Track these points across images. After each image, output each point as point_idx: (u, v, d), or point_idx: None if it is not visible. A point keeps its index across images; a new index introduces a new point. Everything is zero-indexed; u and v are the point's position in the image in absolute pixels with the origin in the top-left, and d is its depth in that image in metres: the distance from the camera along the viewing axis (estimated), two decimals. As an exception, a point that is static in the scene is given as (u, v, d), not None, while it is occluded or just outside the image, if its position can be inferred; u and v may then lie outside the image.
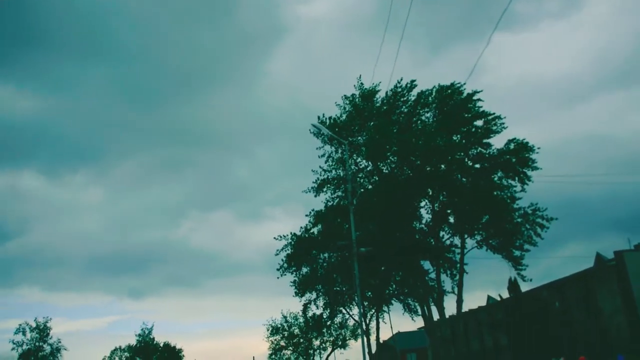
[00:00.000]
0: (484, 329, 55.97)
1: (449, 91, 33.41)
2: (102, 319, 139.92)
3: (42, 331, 69.04)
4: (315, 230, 37.74)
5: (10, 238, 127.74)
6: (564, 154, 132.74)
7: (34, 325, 68.53)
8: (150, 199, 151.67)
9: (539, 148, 32.42)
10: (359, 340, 58.63)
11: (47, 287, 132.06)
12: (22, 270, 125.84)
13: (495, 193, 32.23)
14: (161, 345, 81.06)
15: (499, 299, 44.66)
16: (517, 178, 32.60)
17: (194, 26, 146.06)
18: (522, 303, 40.33)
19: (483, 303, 57.69)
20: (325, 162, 35.61)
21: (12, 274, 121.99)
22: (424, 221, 35.56)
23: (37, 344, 68.66)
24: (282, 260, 38.21)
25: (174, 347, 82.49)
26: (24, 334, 67.92)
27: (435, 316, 35.63)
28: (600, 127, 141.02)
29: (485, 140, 33.27)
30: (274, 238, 38.53)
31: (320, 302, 42.20)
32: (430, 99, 33.99)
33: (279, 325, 61.30)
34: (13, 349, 67.94)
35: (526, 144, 32.47)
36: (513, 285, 39.83)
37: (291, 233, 38.19)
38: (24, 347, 67.62)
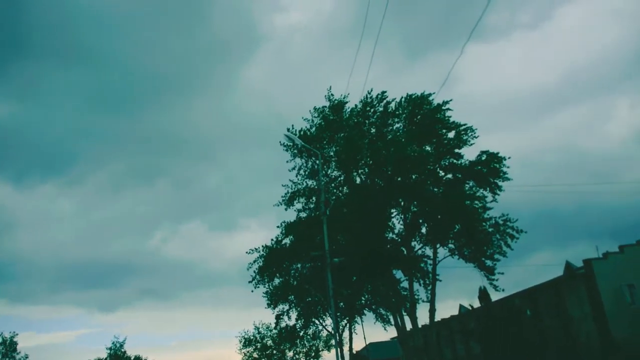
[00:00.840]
0: (457, 338, 56.17)
1: (419, 101, 33.64)
2: (72, 332, 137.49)
3: (9, 346, 67.75)
4: (287, 241, 37.67)
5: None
6: (535, 163, 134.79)
7: (-1, 339, 67.22)
8: (121, 209, 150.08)
9: (509, 158, 32.81)
10: (332, 350, 58.64)
11: (14, 300, 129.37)
12: None
13: (466, 203, 32.44)
14: (132, 358, 79.91)
15: (470, 308, 44.80)
16: (488, 188, 32.92)
17: (168, 33, 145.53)
18: (494, 311, 40.50)
19: (455, 312, 57.97)
20: (296, 175, 35.56)
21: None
22: (396, 231, 35.66)
23: (3, 359, 67.35)
24: (255, 272, 38.08)
25: (145, 359, 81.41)
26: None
27: (408, 326, 35.67)
28: (570, 137, 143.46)
29: (456, 151, 33.55)
30: (246, 252, 38.43)
31: (293, 313, 42.14)
32: (400, 109, 34.17)
33: (252, 337, 60.99)
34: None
35: (497, 156, 32.85)
36: (483, 294, 40.00)
37: (263, 245, 38.09)
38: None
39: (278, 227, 37.54)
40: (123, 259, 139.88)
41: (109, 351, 77.24)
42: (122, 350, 77.82)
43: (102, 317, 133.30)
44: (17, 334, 70.51)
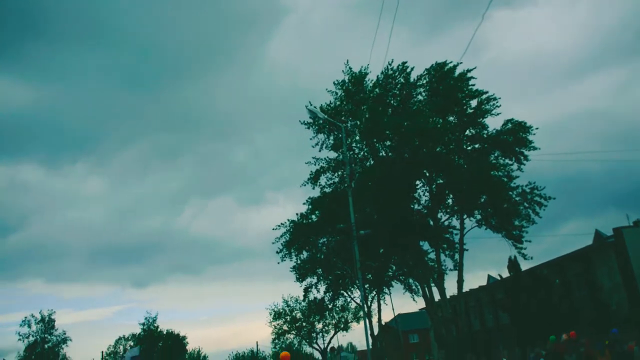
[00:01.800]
0: (485, 308, 56.27)
1: (442, 71, 33.31)
2: (107, 308, 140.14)
3: (47, 323, 70.18)
4: (313, 216, 37.85)
5: (11, 231, 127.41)
6: (563, 130, 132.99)
7: (38, 317, 69.59)
8: (150, 187, 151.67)
9: (537, 128, 32.41)
10: (361, 322, 59.06)
11: (51, 279, 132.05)
12: (24, 263, 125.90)
13: (492, 173, 32.20)
14: (165, 333, 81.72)
15: (499, 278, 44.77)
16: (514, 158, 32.63)
17: (192, 9, 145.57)
18: (523, 281, 40.44)
19: (484, 282, 57.99)
20: (320, 151, 35.53)
21: (15, 267, 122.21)
22: (422, 202, 35.59)
23: (42, 335, 69.66)
24: (281, 246, 38.38)
25: (178, 334, 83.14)
26: (29, 326, 69.21)
27: (436, 297, 35.74)
28: (599, 103, 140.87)
29: (480, 120, 33.25)
30: (273, 229, 38.76)
31: (322, 286, 42.47)
32: (424, 79, 33.86)
33: (281, 310, 61.75)
34: (19, 340, 68.99)
35: (524, 125, 32.46)
36: (513, 264, 39.91)
37: (288, 220, 38.34)
38: (30, 338, 68.71)
39: (304, 203, 37.75)
40: (153, 235, 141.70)
41: (142, 326, 79.39)
42: (155, 325, 79.86)
43: (135, 293, 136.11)
44: (54, 312, 73.22)
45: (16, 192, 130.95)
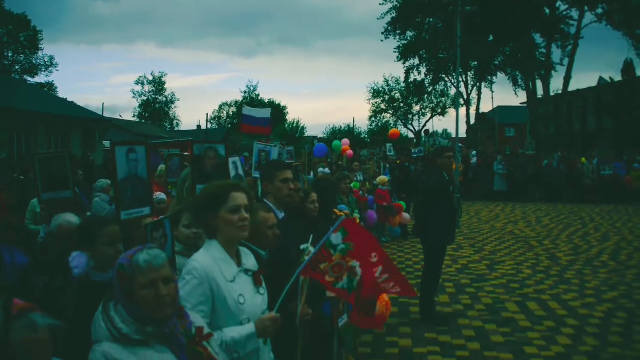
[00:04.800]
0: (589, 110, 54.44)
1: None
2: (213, 75, 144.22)
3: (158, 84, 75.07)
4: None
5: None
6: None
7: (151, 78, 74.35)
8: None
9: None
10: (461, 109, 59.03)
11: (162, 44, 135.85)
12: (137, 26, 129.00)
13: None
14: (266, 102, 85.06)
15: (610, 81, 42.55)
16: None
17: None
18: (636, 87, 38.36)
19: (593, 84, 55.46)
20: None
21: (129, 30, 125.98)
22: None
23: (154, 96, 75.02)
24: (387, 24, 37.66)
25: (279, 104, 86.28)
26: (142, 85, 74.21)
27: (540, 93, 34.90)
28: None
29: None
30: (380, 3, 37.75)
31: (423, 69, 42.07)
32: None
33: (381, 89, 62.14)
34: (133, 97, 75.06)
35: None
36: (628, 67, 37.53)
37: None
38: (143, 97, 74.24)
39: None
40: (262, 4, 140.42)
41: (244, 94, 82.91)
42: (256, 93, 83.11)
43: (242, 62, 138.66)
44: (165, 74, 77.90)
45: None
